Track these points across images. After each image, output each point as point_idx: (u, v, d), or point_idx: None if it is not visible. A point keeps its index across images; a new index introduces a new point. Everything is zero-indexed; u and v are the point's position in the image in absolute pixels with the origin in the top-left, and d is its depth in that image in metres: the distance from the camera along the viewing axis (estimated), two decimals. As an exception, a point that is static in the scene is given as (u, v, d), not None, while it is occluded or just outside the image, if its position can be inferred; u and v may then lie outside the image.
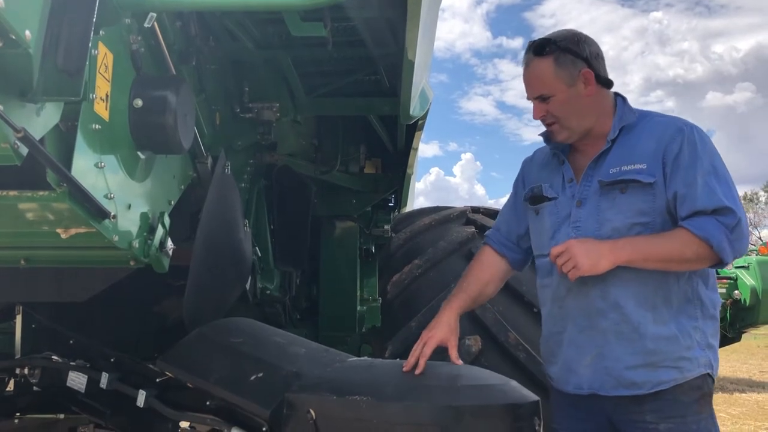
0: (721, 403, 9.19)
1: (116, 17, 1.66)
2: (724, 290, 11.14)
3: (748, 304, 11.01)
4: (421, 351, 2.04)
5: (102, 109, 1.64)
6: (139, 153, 1.88)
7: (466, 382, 2.00)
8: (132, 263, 1.97)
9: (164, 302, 3.09)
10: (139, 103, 1.79)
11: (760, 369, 13.59)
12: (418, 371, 1.99)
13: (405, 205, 4.74)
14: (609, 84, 2.12)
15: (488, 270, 2.31)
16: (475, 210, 4.40)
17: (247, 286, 2.91)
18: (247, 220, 2.85)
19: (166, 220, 2.07)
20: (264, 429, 2.00)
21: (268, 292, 3.28)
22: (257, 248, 3.11)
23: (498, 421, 1.92)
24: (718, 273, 11.76)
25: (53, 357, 2.49)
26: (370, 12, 2.33)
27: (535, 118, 2.15)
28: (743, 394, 10.12)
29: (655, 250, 1.94)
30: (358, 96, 3.18)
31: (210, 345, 2.29)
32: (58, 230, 1.68)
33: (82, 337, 2.58)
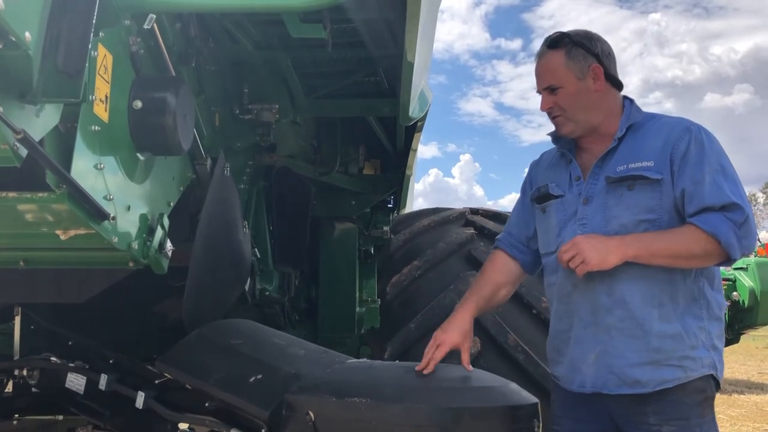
0: (719, 404, 9.19)
1: (116, 19, 1.67)
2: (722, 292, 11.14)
3: (746, 305, 11.01)
4: (433, 354, 2.04)
5: (101, 111, 1.64)
6: (138, 154, 1.88)
7: (465, 384, 2.00)
8: (131, 264, 1.96)
9: (163, 303, 3.08)
10: (138, 104, 1.79)
11: (758, 370, 13.60)
12: (426, 371, 2.00)
13: (404, 206, 4.74)
14: (619, 85, 2.15)
15: (502, 273, 2.32)
16: (474, 211, 4.40)
17: (246, 287, 2.91)
18: (246, 222, 2.85)
19: (166, 221, 2.07)
20: (263, 430, 2.00)
21: (267, 293, 3.28)
22: (256, 249, 3.11)
23: (497, 423, 1.92)
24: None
25: (52, 358, 2.49)
26: (370, 13, 2.33)
27: (542, 109, 2.17)
28: (742, 396, 10.12)
29: (663, 246, 1.94)
30: (358, 97, 3.18)
31: (209, 346, 2.29)
32: (58, 231, 1.68)
33: (81, 338, 2.58)
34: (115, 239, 1.76)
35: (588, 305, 2.05)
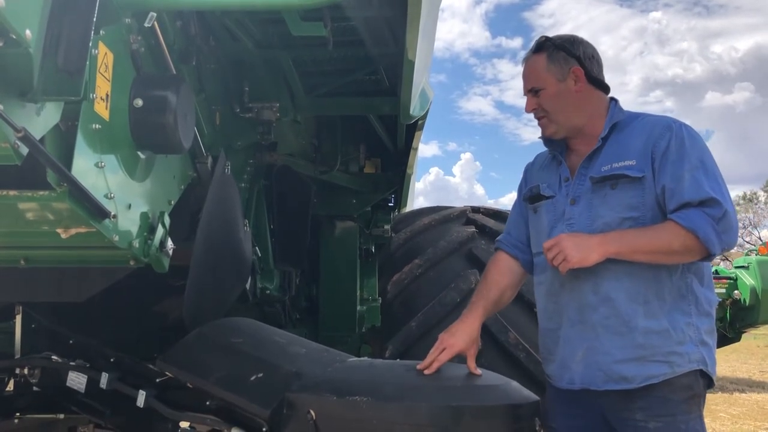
0: (721, 402, 9.20)
1: (116, 17, 1.66)
2: (724, 290, 11.15)
3: (747, 303, 11.02)
4: (438, 356, 2.06)
5: (102, 109, 1.64)
6: (139, 153, 1.88)
7: (466, 383, 2.00)
8: (132, 263, 1.96)
9: (164, 302, 3.08)
10: (139, 102, 1.78)
11: (760, 369, 13.61)
12: (429, 372, 2.01)
13: (405, 204, 4.75)
14: (603, 87, 2.20)
15: (506, 275, 2.34)
16: (475, 210, 4.40)
17: (247, 285, 2.91)
18: (246, 220, 2.85)
19: (166, 219, 2.07)
20: (264, 429, 2.00)
21: (268, 291, 3.28)
22: (257, 248, 3.11)
23: (498, 422, 1.92)
24: (717, 273, 11.81)
25: (53, 357, 2.48)
26: (371, 12, 2.33)
27: (527, 111, 2.23)
28: (743, 394, 10.12)
29: (644, 242, 1.97)
30: (358, 96, 3.18)
31: (210, 345, 2.29)
32: (58, 230, 1.68)
33: (82, 337, 2.58)
34: (116, 238, 1.76)
35: (575, 304, 2.08)
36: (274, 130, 2.95)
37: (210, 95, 2.55)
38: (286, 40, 2.60)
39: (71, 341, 2.58)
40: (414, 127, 3.41)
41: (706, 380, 2.02)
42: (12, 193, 1.53)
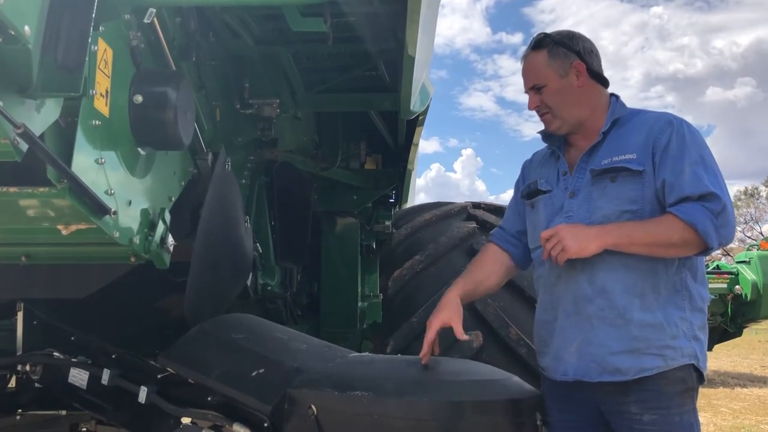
0: (722, 397, 9.21)
1: (116, 13, 1.66)
2: (725, 285, 11.17)
3: (749, 298, 11.04)
4: (427, 336, 2.08)
5: (102, 105, 1.64)
6: (139, 149, 1.88)
7: (467, 378, 2.00)
8: (133, 259, 1.97)
9: (165, 298, 3.09)
10: (139, 99, 1.78)
11: (761, 364, 13.62)
12: (425, 360, 2.04)
13: (406, 200, 4.75)
14: (603, 81, 2.21)
15: (492, 262, 2.37)
16: (476, 206, 4.40)
17: (248, 282, 2.91)
18: (247, 217, 2.85)
19: (167, 216, 2.07)
20: (265, 424, 2.00)
21: (269, 288, 3.29)
22: (258, 244, 3.11)
23: (500, 416, 1.92)
24: (719, 268, 11.82)
25: (54, 354, 2.49)
26: (371, 7, 2.33)
27: (529, 108, 2.23)
28: (744, 389, 10.13)
29: (643, 234, 1.98)
30: (359, 92, 3.18)
31: (211, 341, 2.29)
32: (59, 226, 1.69)
33: (84, 333, 2.58)
34: (117, 234, 1.76)
35: (571, 295, 2.09)
36: (274, 126, 2.95)
37: (210, 91, 2.54)
38: (286, 36, 2.60)
39: (73, 338, 2.58)
40: (414, 123, 3.41)
41: (698, 375, 2.03)
42: (12, 189, 1.53)
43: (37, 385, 2.55)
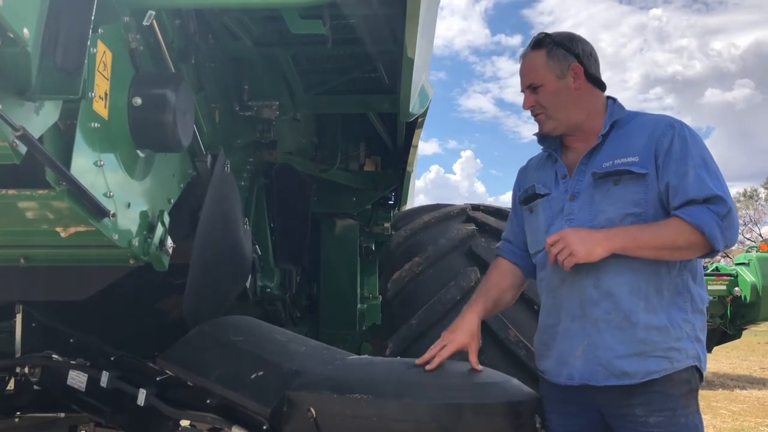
0: (721, 399, 9.21)
1: (115, 15, 1.66)
2: (724, 287, 11.17)
3: (748, 300, 11.04)
4: (439, 352, 2.08)
5: (101, 108, 1.64)
6: (138, 151, 1.88)
7: (466, 380, 2.00)
8: (132, 261, 1.97)
9: (164, 300, 3.09)
10: (138, 101, 1.78)
11: (760, 366, 13.61)
12: (429, 367, 2.03)
13: (405, 202, 4.74)
14: (601, 85, 2.21)
15: (506, 277, 2.37)
16: (475, 207, 4.40)
17: (248, 284, 2.91)
18: (246, 219, 2.85)
19: (166, 218, 2.07)
20: (264, 427, 2.00)
21: (269, 290, 3.28)
22: (257, 246, 3.11)
23: (499, 419, 1.92)
24: (718, 270, 11.82)
25: (53, 356, 2.49)
26: (370, 9, 2.33)
27: (524, 108, 2.23)
28: (744, 391, 10.13)
29: (649, 238, 1.98)
30: (358, 93, 3.18)
31: (210, 343, 2.29)
32: (58, 229, 1.68)
33: (82, 335, 2.58)
34: (116, 236, 1.76)
35: (576, 299, 2.08)
36: (273, 128, 2.95)
37: (209, 93, 2.54)
38: (286, 38, 2.60)
39: (71, 340, 2.58)
40: (414, 125, 3.40)
41: (699, 376, 2.04)
42: (11, 192, 1.53)
43: (35, 387, 2.54)
